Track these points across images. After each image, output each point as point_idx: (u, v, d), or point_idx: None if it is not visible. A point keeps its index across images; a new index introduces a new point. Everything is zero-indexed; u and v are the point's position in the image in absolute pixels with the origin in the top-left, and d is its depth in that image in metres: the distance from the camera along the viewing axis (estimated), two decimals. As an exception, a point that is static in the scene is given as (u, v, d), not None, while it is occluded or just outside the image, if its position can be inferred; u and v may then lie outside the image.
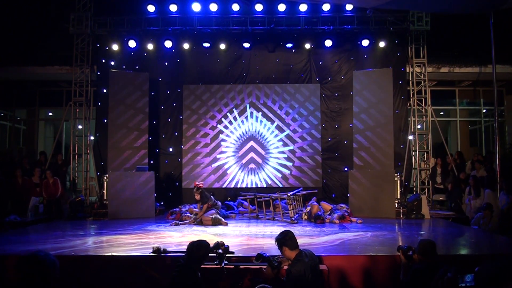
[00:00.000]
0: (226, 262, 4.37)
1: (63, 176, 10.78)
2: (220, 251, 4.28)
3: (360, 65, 11.21)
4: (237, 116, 11.61)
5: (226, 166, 11.51)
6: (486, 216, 7.95)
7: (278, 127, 11.57)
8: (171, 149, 11.56)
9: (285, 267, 3.96)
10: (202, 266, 3.94)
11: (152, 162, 11.05)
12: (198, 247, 3.84)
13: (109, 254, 5.41)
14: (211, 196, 8.97)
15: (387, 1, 8.57)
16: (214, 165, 11.50)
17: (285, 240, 3.93)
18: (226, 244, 4.44)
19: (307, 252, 4.00)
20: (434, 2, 8.99)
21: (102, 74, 11.14)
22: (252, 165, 11.53)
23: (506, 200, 8.36)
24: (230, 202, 10.43)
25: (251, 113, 11.61)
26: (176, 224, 8.34)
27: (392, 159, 10.03)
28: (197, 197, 8.64)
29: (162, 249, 5.16)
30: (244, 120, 11.62)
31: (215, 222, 8.23)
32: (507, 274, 1.73)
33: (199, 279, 3.76)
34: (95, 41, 11.18)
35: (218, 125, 11.59)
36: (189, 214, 8.84)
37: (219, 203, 9.13)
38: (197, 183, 9.06)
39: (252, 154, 11.55)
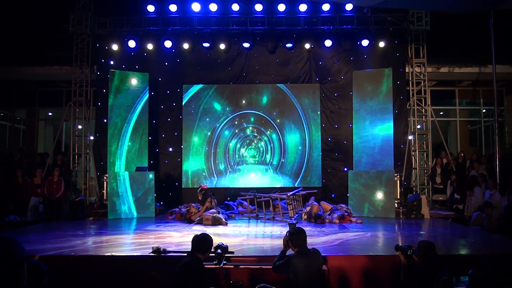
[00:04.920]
0: (225, 262, 4.37)
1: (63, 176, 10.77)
2: (219, 251, 4.29)
3: (360, 65, 11.20)
4: (237, 116, 11.61)
5: (225, 166, 11.52)
6: (488, 213, 7.95)
7: (278, 127, 11.57)
8: (170, 149, 11.57)
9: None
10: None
11: (152, 162, 11.05)
12: (201, 240, 3.86)
13: (109, 254, 5.41)
14: (214, 199, 9.16)
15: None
16: (214, 165, 11.49)
17: (292, 237, 4.16)
18: (224, 244, 4.44)
19: (312, 250, 4.17)
20: (433, 1, 8.98)
21: (102, 74, 11.15)
22: (251, 165, 11.52)
23: (507, 199, 8.36)
24: (230, 202, 10.42)
25: (251, 113, 11.62)
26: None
27: (392, 159, 10.02)
28: (200, 197, 9.08)
29: (162, 249, 5.17)
30: (244, 120, 11.62)
31: (215, 222, 8.25)
32: (502, 275, 1.72)
33: (204, 270, 3.76)
34: (95, 41, 11.19)
35: (218, 125, 11.58)
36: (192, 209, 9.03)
37: (218, 207, 9.27)
38: (202, 185, 9.64)
39: (251, 154, 11.54)
